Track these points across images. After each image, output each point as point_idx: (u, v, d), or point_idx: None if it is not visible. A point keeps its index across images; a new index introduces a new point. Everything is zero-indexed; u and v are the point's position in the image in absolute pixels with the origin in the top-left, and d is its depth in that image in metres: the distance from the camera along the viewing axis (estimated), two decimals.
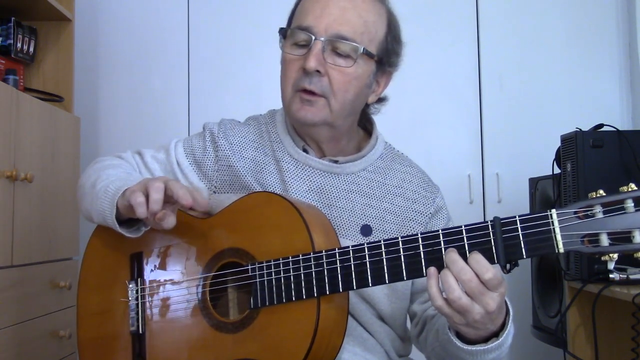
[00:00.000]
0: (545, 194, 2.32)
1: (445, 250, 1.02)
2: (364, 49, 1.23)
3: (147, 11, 2.98)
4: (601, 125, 2.04)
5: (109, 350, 1.29)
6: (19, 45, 2.32)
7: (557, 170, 2.14)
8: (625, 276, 1.87)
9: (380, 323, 1.28)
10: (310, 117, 1.24)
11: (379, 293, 1.25)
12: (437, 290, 1.01)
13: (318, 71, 1.21)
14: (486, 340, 1.08)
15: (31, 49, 2.40)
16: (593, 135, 2.00)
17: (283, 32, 1.28)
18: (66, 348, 2.35)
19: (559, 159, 2.13)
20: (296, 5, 1.31)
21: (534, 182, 2.43)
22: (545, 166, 2.21)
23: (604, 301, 1.94)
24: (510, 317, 1.08)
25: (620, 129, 2.01)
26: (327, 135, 1.29)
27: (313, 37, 1.21)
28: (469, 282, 0.99)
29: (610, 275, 1.88)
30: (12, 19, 2.28)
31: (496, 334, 1.07)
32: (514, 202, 2.78)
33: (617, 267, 1.89)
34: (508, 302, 1.08)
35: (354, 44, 1.22)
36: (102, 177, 1.27)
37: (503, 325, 1.07)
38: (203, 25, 2.97)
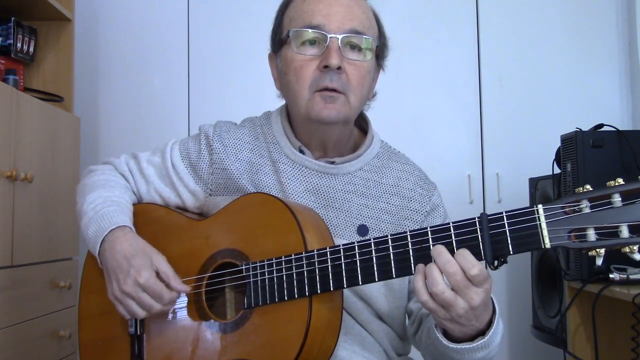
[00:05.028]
0: (545, 194, 2.32)
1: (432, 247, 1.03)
2: (373, 41, 1.25)
3: (147, 11, 2.98)
4: (601, 125, 2.04)
5: (109, 351, 1.30)
6: (19, 45, 2.32)
7: (557, 170, 2.14)
8: (625, 276, 1.87)
9: (378, 322, 1.28)
10: (334, 115, 1.23)
11: (376, 292, 1.25)
12: (423, 285, 1.02)
13: (339, 68, 1.21)
14: (473, 338, 1.08)
15: (31, 49, 2.40)
16: (593, 135, 2.00)
17: (283, 35, 1.27)
18: (66, 348, 2.35)
19: (559, 159, 2.13)
20: (283, 10, 1.30)
21: (534, 182, 2.43)
22: (545, 166, 2.21)
23: (604, 301, 1.94)
24: (497, 316, 1.08)
25: (620, 129, 2.01)
26: (338, 133, 1.30)
27: (328, 35, 1.21)
28: (454, 275, 0.99)
29: (610, 275, 1.88)
30: (12, 19, 2.28)
31: (483, 333, 1.07)
32: (514, 202, 2.78)
33: (617, 267, 1.89)
34: (494, 300, 1.09)
35: (367, 37, 1.24)
36: (84, 210, 1.30)
37: (490, 324, 1.07)
38: (203, 25, 2.97)
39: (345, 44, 1.22)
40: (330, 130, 1.27)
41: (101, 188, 1.33)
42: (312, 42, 1.23)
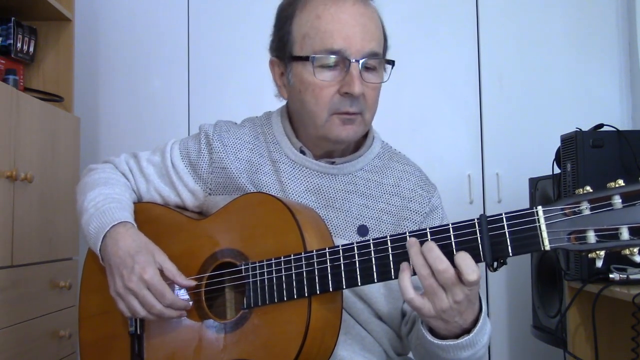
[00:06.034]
0: (545, 194, 2.32)
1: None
2: (385, 59, 1.26)
3: (147, 11, 2.98)
4: (601, 125, 2.04)
5: (109, 350, 1.30)
6: (19, 45, 2.32)
7: (557, 170, 2.14)
8: (625, 276, 1.87)
9: (378, 322, 1.28)
10: (352, 135, 1.25)
11: (376, 292, 1.25)
12: (409, 284, 1.02)
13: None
14: (458, 337, 1.07)
15: (31, 49, 2.40)
16: (593, 135, 2.00)
17: (295, 52, 1.24)
18: (66, 348, 2.35)
19: (559, 159, 2.13)
20: (289, 18, 1.26)
21: (534, 182, 2.43)
22: (545, 166, 2.21)
23: (604, 301, 1.94)
24: (483, 315, 1.07)
25: (620, 129, 2.01)
26: (348, 144, 1.31)
27: (351, 60, 1.20)
28: (444, 273, 0.99)
29: (610, 275, 1.88)
30: (12, 19, 2.28)
31: (469, 332, 1.07)
32: (514, 202, 2.78)
33: (617, 267, 1.89)
34: (482, 300, 1.08)
35: (382, 57, 1.25)
36: (85, 207, 1.30)
37: (476, 324, 1.07)
38: (203, 25, 2.97)
39: (363, 66, 1.21)
40: (343, 145, 1.29)
41: (102, 186, 1.34)
42: (332, 66, 1.21)
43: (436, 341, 1.08)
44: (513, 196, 2.83)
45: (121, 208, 1.28)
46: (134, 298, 1.19)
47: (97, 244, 1.25)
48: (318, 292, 1.09)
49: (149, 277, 1.17)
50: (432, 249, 1.01)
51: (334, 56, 1.20)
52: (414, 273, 1.03)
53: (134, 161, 1.42)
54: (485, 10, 2.94)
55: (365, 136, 1.36)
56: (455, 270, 0.99)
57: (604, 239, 0.93)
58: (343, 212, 1.28)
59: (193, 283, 1.21)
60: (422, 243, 1.02)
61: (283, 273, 1.12)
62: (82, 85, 2.87)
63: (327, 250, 1.10)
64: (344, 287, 1.09)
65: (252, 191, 1.28)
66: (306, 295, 1.10)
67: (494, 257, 1.00)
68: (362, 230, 1.27)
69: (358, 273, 1.07)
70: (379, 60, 1.23)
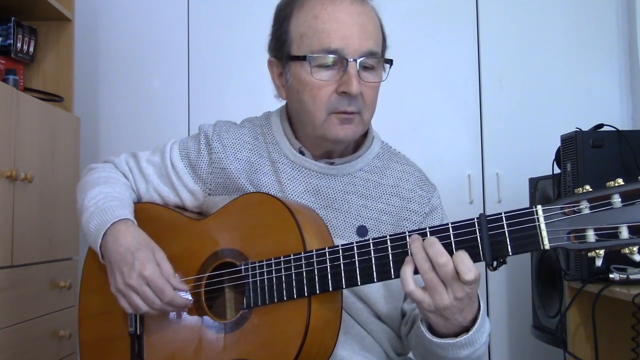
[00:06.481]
0: (545, 194, 2.32)
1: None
2: (383, 58, 1.25)
3: (147, 11, 2.98)
4: (601, 125, 2.04)
5: (109, 350, 1.30)
6: (19, 45, 2.32)
7: (557, 170, 2.14)
8: (625, 276, 1.87)
9: (377, 322, 1.28)
10: (351, 134, 1.25)
11: (375, 293, 1.25)
12: (411, 277, 1.02)
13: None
14: (457, 335, 1.07)
15: (31, 49, 2.40)
16: (593, 135, 2.00)
17: (293, 52, 1.24)
18: (66, 348, 2.36)
19: (559, 159, 2.13)
20: (287, 18, 1.26)
21: (534, 182, 2.43)
22: (545, 166, 2.21)
23: (604, 301, 1.94)
24: (481, 313, 1.07)
25: (620, 129, 2.01)
26: (347, 144, 1.31)
27: (348, 59, 1.19)
28: (443, 267, 1.00)
29: (610, 275, 1.88)
30: (12, 19, 2.28)
31: (468, 330, 1.07)
32: (514, 202, 2.78)
33: (617, 267, 1.89)
34: (480, 299, 1.09)
35: (381, 56, 1.24)
36: (86, 206, 1.30)
37: (475, 322, 1.07)
38: (203, 25, 2.97)
39: (361, 66, 1.21)
40: (342, 145, 1.29)
41: (102, 185, 1.34)
42: (330, 65, 1.21)
43: (435, 339, 1.09)
44: (513, 196, 2.83)
45: (122, 206, 1.29)
46: (135, 294, 1.19)
47: (97, 242, 1.25)
48: (318, 292, 1.09)
49: (149, 273, 1.18)
50: (434, 244, 1.01)
51: (331, 56, 1.20)
52: (417, 271, 1.03)
53: (133, 161, 1.42)
54: (485, 10, 2.94)
55: (364, 136, 1.36)
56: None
57: (603, 238, 0.93)
58: (342, 213, 1.28)
59: (186, 287, 1.21)
60: (423, 240, 1.03)
61: (283, 273, 1.12)
62: (82, 85, 2.87)
63: (326, 250, 1.10)
64: (344, 286, 1.09)
65: (252, 191, 1.28)
66: (306, 295, 1.10)
67: (493, 256, 1.00)
68: (362, 230, 1.27)
69: (358, 273, 1.08)
70: (377, 59, 1.23)
